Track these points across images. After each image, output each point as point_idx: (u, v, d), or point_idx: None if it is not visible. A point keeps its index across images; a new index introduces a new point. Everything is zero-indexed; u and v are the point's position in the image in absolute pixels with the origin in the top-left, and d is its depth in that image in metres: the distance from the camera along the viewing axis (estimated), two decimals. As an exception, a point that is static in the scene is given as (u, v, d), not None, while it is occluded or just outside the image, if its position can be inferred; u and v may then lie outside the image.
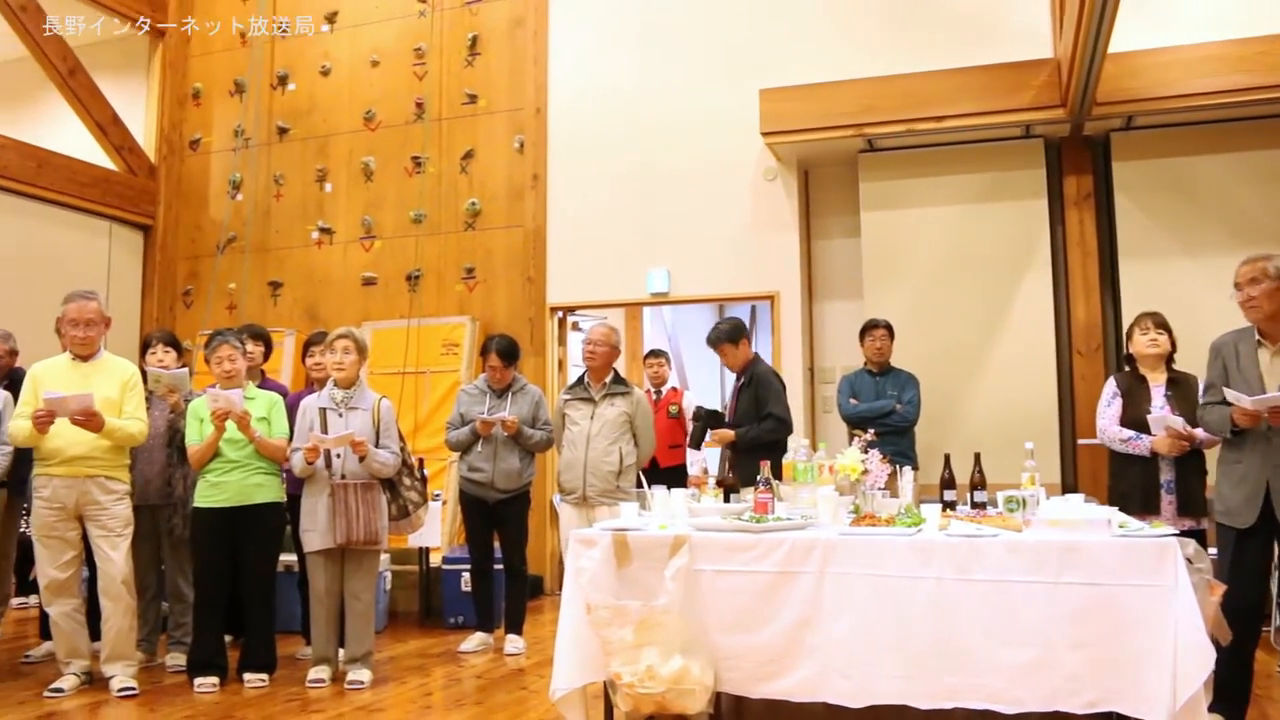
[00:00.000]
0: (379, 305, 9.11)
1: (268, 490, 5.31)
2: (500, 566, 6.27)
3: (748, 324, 13.62)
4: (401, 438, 5.60)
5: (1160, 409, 4.94)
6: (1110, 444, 5.10)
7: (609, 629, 3.79)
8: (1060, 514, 3.84)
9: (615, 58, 8.65)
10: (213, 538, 5.22)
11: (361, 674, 5.24)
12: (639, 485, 5.17)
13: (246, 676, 5.23)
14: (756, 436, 6.08)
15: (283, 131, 9.65)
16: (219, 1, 10.05)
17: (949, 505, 4.39)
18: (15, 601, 7.31)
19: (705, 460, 8.06)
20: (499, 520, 6.20)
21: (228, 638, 5.58)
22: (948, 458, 4.67)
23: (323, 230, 9.41)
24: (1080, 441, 7.15)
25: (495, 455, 6.09)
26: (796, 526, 4.00)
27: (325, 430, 5.28)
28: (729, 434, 6.21)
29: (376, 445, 5.34)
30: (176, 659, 5.61)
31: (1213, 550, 4.45)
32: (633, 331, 11.40)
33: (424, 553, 7.23)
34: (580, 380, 6.13)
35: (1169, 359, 5.12)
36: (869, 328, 6.82)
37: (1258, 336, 4.28)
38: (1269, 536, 4.22)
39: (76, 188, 9.14)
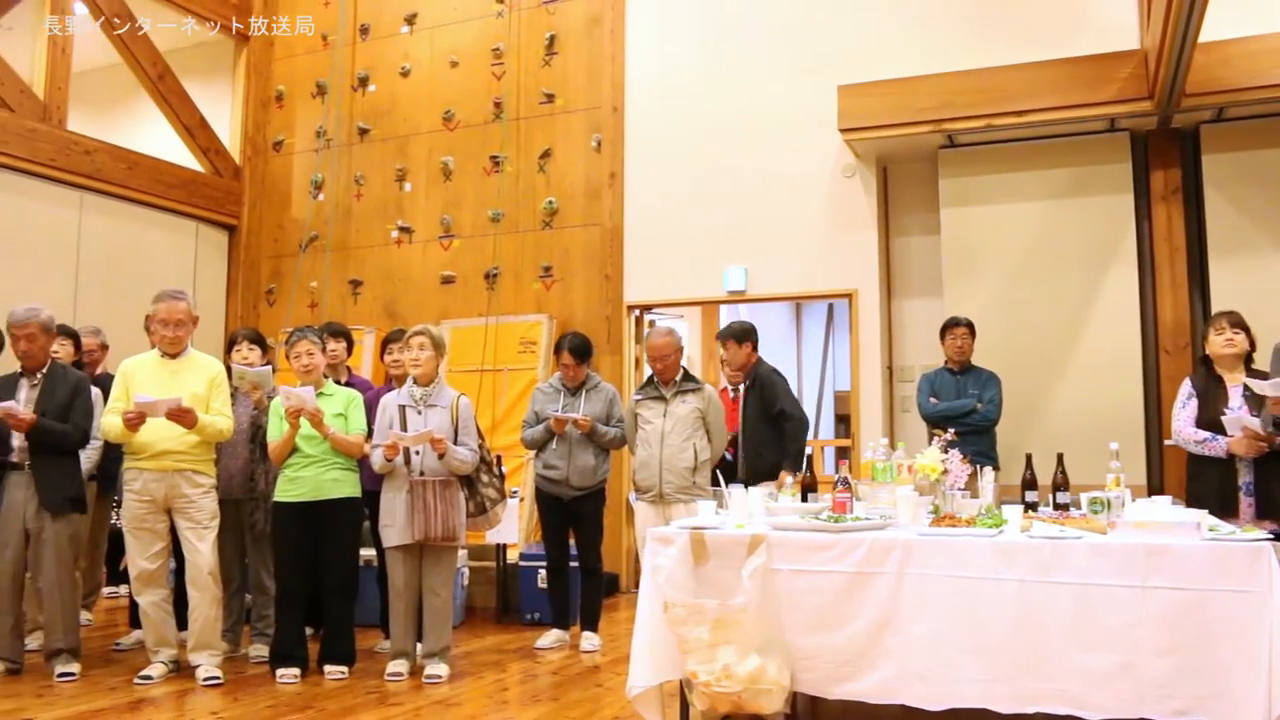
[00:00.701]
0: (457, 303, 9.20)
1: (344, 485, 5.38)
2: (576, 564, 6.30)
3: (826, 321, 13.58)
4: (480, 435, 5.64)
5: (1238, 410, 4.80)
6: (1185, 446, 4.98)
7: (685, 627, 3.78)
8: (1147, 516, 3.75)
9: (692, 55, 8.63)
10: (291, 532, 5.31)
11: (439, 668, 5.29)
12: (715, 484, 5.16)
13: (327, 668, 5.31)
14: (796, 456, 6.02)
15: (363, 132, 9.79)
16: (301, 5, 10.23)
17: (1031, 506, 4.31)
18: (106, 591, 7.53)
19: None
20: (574, 518, 6.22)
21: (309, 630, 5.67)
22: (1029, 458, 4.58)
23: (402, 229, 9.53)
24: (1166, 442, 6.97)
25: (570, 453, 6.11)
26: (875, 526, 3.95)
27: (404, 427, 5.34)
28: (784, 476, 6.12)
29: (455, 442, 5.38)
30: (259, 650, 5.72)
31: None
32: (709, 330, 11.36)
33: (501, 549, 7.29)
34: (651, 380, 6.13)
35: (1248, 359, 4.97)
36: (950, 326, 6.72)
37: None
38: None
39: (164, 189, 9.38)
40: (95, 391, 5.61)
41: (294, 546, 5.32)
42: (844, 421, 12.55)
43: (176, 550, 5.39)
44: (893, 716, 4.02)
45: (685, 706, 3.97)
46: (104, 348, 6.66)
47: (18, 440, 5.23)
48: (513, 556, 7.30)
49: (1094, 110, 6.93)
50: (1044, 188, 7.41)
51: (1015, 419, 6.76)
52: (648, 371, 6.25)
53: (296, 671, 5.24)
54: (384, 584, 5.75)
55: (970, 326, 6.69)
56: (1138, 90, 6.76)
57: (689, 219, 8.47)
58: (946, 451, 4.35)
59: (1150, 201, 7.28)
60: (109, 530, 6.50)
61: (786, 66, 8.28)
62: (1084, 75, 6.90)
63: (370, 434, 5.47)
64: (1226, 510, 4.68)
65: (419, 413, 5.40)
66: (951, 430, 4.89)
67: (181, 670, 5.29)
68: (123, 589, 7.13)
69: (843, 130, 7.58)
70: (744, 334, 6.42)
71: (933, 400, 6.59)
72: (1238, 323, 4.97)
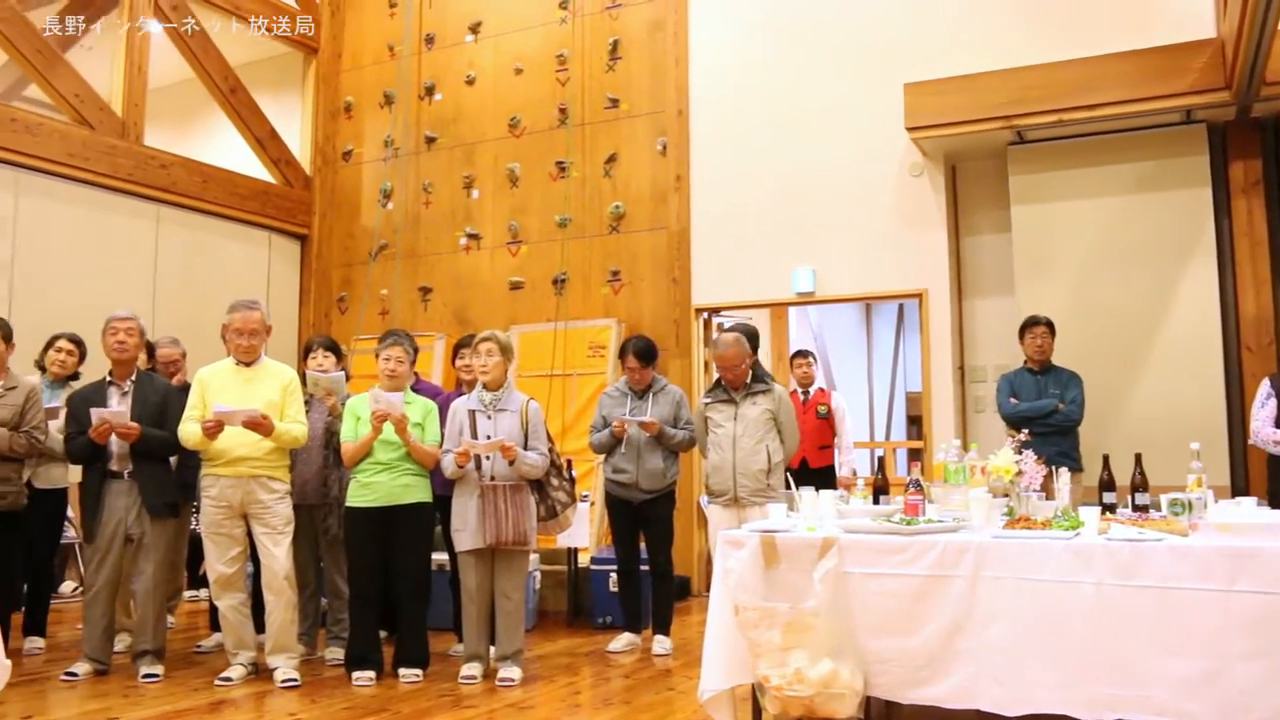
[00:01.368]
0: (526, 309, 9.26)
1: (416, 491, 5.42)
2: (647, 567, 6.30)
3: (896, 322, 13.46)
4: (550, 439, 5.66)
5: None
6: (1265, 446, 4.86)
7: (757, 631, 3.76)
8: (1231, 518, 3.66)
9: (756, 56, 8.60)
10: (364, 537, 5.37)
11: (512, 671, 5.31)
12: (786, 486, 5.12)
13: (401, 671, 5.36)
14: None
15: (430, 140, 9.90)
16: (368, 18, 10.37)
17: (1108, 508, 4.23)
18: (187, 595, 7.68)
19: (854, 462, 7.96)
20: (644, 521, 6.22)
21: (383, 633, 5.74)
22: (1106, 459, 4.49)
23: (470, 236, 9.62)
24: (1250, 442, 6.81)
25: (638, 456, 6.11)
26: (948, 529, 3.90)
27: (474, 432, 5.37)
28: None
29: (525, 447, 5.40)
30: (335, 653, 5.80)
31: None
32: (778, 331, 11.32)
33: (572, 553, 7.31)
34: (719, 383, 6.07)
35: None
36: (1029, 325, 6.61)
37: None
38: None
39: (238, 200, 9.57)
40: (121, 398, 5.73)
41: (367, 551, 5.38)
42: (915, 423, 12.46)
43: (253, 555, 5.49)
44: (968, 722, 3.97)
45: (757, 710, 3.95)
46: (183, 356, 6.80)
47: (116, 448, 5.36)
48: (584, 560, 7.32)
49: (1169, 102, 6.77)
50: (1118, 183, 7.26)
51: (1091, 419, 6.61)
52: (716, 374, 6.22)
53: (371, 674, 5.30)
54: (456, 588, 5.79)
55: (1050, 325, 6.57)
56: (1214, 80, 6.59)
57: (756, 220, 8.44)
58: (1020, 452, 4.28)
59: (1230, 194, 7.10)
60: (189, 536, 6.63)
61: (851, 65, 8.22)
62: (1158, 66, 6.75)
63: (441, 440, 5.52)
64: (1310, 512, 4.55)
65: (489, 417, 5.43)
66: (1025, 431, 4.82)
67: (260, 672, 5.37)
68: (203, 593, 7.27)
69: (909, 129, 7.50)
70: (750, 338, 6.38)
71: (1012, 401, 6.48)
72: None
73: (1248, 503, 4.02)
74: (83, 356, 6.39)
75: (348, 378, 6.21)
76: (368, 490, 5.36)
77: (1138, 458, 4.33)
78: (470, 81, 9.77)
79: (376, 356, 5.59)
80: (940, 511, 4.22)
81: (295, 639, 5.46)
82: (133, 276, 8.71)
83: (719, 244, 8.57)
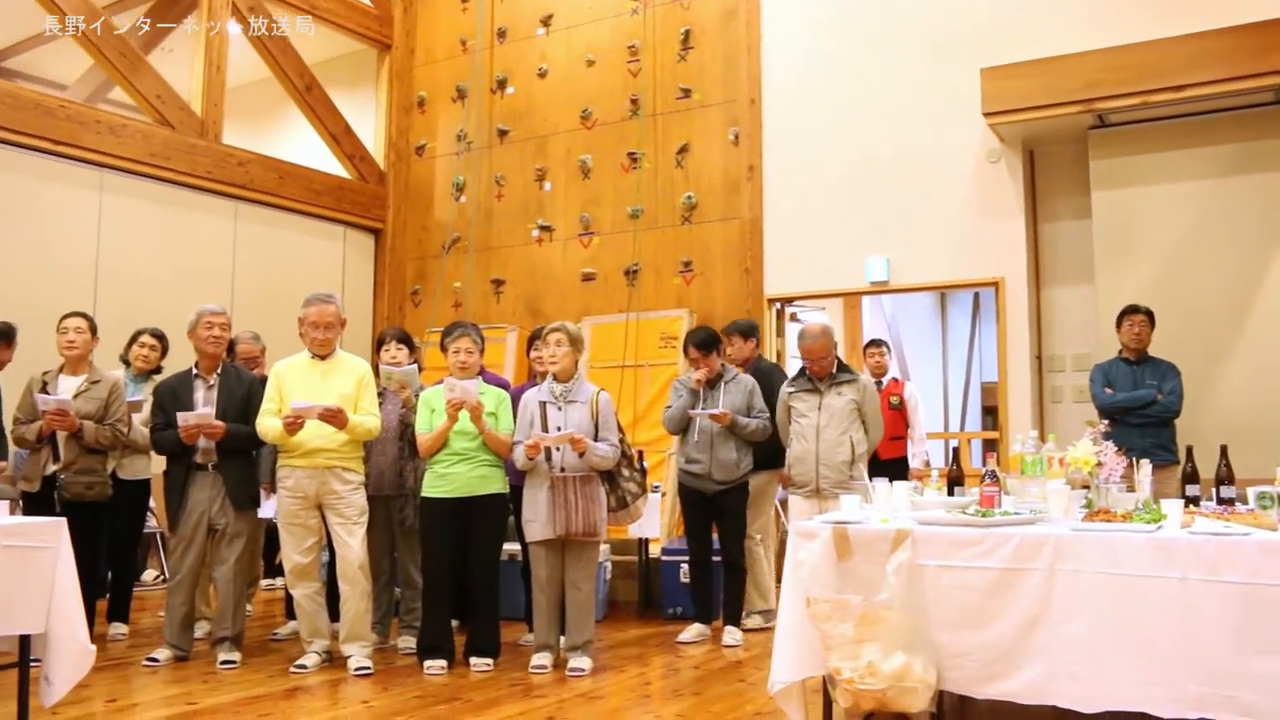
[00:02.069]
0: (598, 300, 9.27)
1: (492, 481, 5.45)
2: (718, 558, 6.27)
3: (971, 311, 13.25)
4: (621, 430, 5.65)
5: None
6: None
7: (829, 623, 3.71)
8: (1323, 511, 3.53)
9: (828, 43, 8.51)
10: (440, 527, 5.40)
11: (582, 661, 5.32)
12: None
13: (472, 660, 5.39)
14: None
15: (503, 133, 9.95)
16: (440, 14, 10.44)
17: (1192, 501, 4.10)
18: (264, 583, 7.81)
19: (928, 453, 7.85)
20: (717, 512, 6.19)
21: (455, 623, 5.78)
22: (1189, 450, 4.38)
23: (543, 228, 9.65)
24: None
25: (711, 446, 6.08)
26: (1025, 521, 3.82)
27: (545, 423, 5.38)
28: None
29: (595, 438, 5.40)
30: (407, 642, 5.85)
31: None
32: (852, 321, 11.21)
33: (643, 543, 7.30)
34: (803, 372, 6.03)
35: None
36: (1128, 312, 6.43)
37: None
38: None
39: (313, 196, 9.71)
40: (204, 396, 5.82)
41: (442, 542, 5.41)
42: (991, 413, 12.22)
43: (328, 545, 5.55)
44: (1043, 718, 3.88)
45: (828, 703, 3.90)
46: (263, 352, 6.90)
47: (201, 442, 5.47)
48: (655, 551, 7.31)
49: (1259, 81, 6.55)
50: (1205, 166, 7.05)
51: (1175, 410, 6.47)
52: (791, 365, 6.17)
53: (443, 663, 5.34)
54: (528, 578, 5.82)
55: (1150, 315, 6.37)
56: (1308, 59, 6.37)
57: (829, 209, 8.35)
58: (1099, 443, 4.17)
59: (1323, 177, 6.86)
60: (265, 526, 6.74)
61: (926, 50, 8.09)
62: (1249, 44, 6.52)
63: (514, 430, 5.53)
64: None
65: (559, 409, 5.44)
66: (1105, 421, 4.70)
67: (334, 660, 5.45)
68: (279, 582, 7.39)
69: (986, 114, 7.35)
70: (750, 330, 6.77)
71: (1108, 391, 6.32)
72: None
73: (1341, 496, 3.87)
74: (165, 351, 6.53)
75: (420, 370, 6.25)
76: (445, 481, 5.39)
77: (1223, 449, 4.21)
78: (542, 74, 9.80)
79: (443, 349, 5.62)
80: (1017, 504, 4.13)
81: (369, 628, 5.52)
82: (212, 272, 8.88)
83: (791, 233, 8.49)
